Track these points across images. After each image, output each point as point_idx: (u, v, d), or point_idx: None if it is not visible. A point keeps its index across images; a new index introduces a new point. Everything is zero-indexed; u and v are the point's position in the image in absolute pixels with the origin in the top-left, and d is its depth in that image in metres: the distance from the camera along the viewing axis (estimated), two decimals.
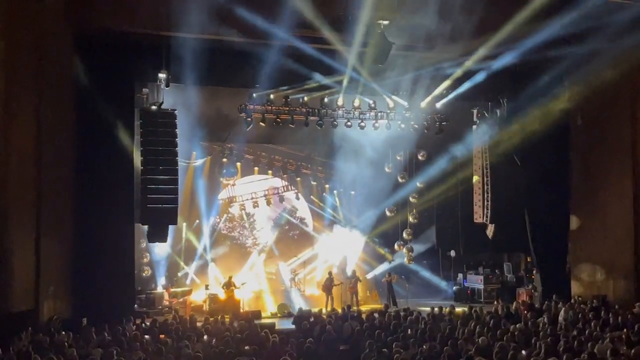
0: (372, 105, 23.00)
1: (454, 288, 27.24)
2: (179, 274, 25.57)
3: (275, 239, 28.41)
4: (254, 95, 21.63)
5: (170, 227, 20.65)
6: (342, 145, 25.74)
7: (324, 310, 21.40)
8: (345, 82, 21.32)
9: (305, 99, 22.19)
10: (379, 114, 23.16)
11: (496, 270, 27.06)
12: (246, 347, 13.47)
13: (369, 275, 27.64)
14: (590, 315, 16.61)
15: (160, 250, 24.90)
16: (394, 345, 13.05)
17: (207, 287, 23.90)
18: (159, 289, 24.16)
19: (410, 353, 12.72)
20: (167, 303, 22.76)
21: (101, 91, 18.86)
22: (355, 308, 21.79)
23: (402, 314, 18.12)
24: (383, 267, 27.91)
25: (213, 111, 22.56)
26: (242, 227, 28.09)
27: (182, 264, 25.98)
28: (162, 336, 15.21)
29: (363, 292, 25.80)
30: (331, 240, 28.46)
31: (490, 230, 24.72)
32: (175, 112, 20.11)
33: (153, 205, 19.32)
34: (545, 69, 21.55)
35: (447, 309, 18.65)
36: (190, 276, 25.91)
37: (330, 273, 24.99)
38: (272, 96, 21.79)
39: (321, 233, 28.90)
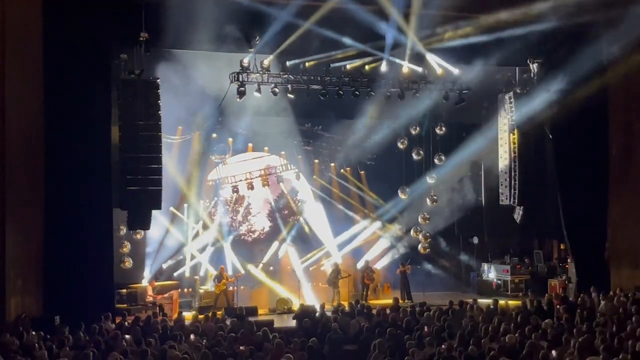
0: (384, 71, 22.86)
1: (477, 279, 27.24)
2: (164, 266, 25.54)
3: (273, 225, 28.42)
4: (246, 61, 21.47)
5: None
6: (348, 118, 25.64)
7: (326, 306, 21.46)
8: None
9: (307, 65, 22.07)
10: (390, 82, 23.02)
11: (525, 259, 27.05)
12: (241, 348, 13.51)
13: (379, 265, 27.64)
14: (632, 310, 16.61)
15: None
16: (407, 345, 13.08)
17: (196, 281, 23.92)
18: (144, 283, 24.18)
19: (426, 353, 12.74)
20: (150, 299, 22.78)
21: (73, 58, 18.78)
22: (363, 302, 21.81)
23: (417, 309, 18.15)
24: (394, 255, 27.93)
25: (201, 80, 22.41)
26: (235, 212, 28.08)
27: (192, 252, 26.01)
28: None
29: (373, 284, 25.84)
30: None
31: (518, 214, 24.70)
32: (158, 81, 20.00)
33: (133, 188, 19.28)
34: (583, 34, 21.49)
35: (469, 303, 18.67)
36: (186, 267, 25.89)
37: (336, 264, 25.05)
38: (265, 62, 21.67)
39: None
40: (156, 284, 23.91)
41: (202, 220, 26.84)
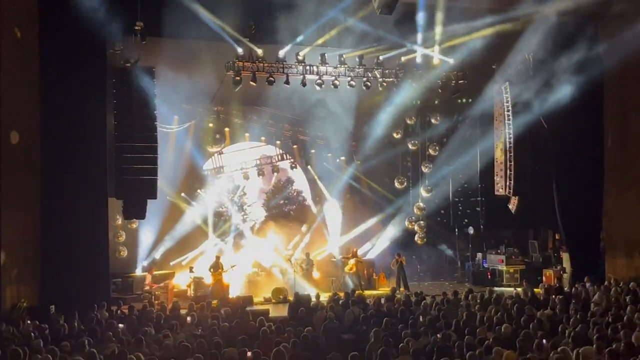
0: (380, 61, 22.80)
1: (472, 269, 27.27)
2: (157, 256, 25.48)
3: (268, 215, 28.41)
4: (241, 50, 21.39)
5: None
6: (344, 108, 25.58)
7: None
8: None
9: (300, 54, 21.97)
10: (386, 72, 22.96)
11: (517, 249, 27.10)
12: (237, 337, 13.49)
13: (373, 254, 27.68)
14: (626, 300, 16.63)
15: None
16: (403, 334, 13.08)
17: (191, 270, 23.89)
18: (138, 272, 24.15)
19: (421, 342, 12.74)
20: (148, 287, 22.72)
21: (68, 47, 18.67)
22: (359, 292, 21.84)
23: (412, 298, 18.16)
24: (390, 245, 27.97)
25: (197, 69, 22.31)
26: (231, 202, 28.04)
27: (188, 242, 26.08)
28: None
29: (366, 274, 25.87)
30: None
31: (513, 204, 24.71)
32: (154, 69, 19.92)
33: (129, 177, 19.25)
34: (580, 25, 21.49)
35: (464, 293, 18.69)
36: (182, 257, 25.90)
37: (307, 254, 25.25)
38: (260, 51, 21.58)
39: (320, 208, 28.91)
40: (154, 272, 23.87)
41: (198, 210, 26.83)
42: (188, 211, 26.39)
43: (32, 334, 13.63)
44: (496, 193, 25.21)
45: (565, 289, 20.40)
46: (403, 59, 22.89)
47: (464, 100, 25.64)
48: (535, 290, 19.73)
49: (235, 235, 27.22)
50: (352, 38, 21.51)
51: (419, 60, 22.96)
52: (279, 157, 28.79)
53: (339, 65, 22.53)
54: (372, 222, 28.32)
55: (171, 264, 25.58)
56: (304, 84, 22.28)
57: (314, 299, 18.64)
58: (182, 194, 26.33)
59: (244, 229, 27.64)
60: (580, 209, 23.38)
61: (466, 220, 28.19)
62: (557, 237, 26.83)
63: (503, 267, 26.12)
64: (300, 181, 29.39)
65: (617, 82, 22.89)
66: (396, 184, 27.10)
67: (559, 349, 11.14)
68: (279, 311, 20.33)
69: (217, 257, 23.50)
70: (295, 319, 16.45)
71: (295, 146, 28.48)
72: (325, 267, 26.11)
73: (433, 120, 26.12)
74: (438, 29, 21.43)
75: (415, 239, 26.84)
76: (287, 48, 21.64)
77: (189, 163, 26.43)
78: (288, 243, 27.36)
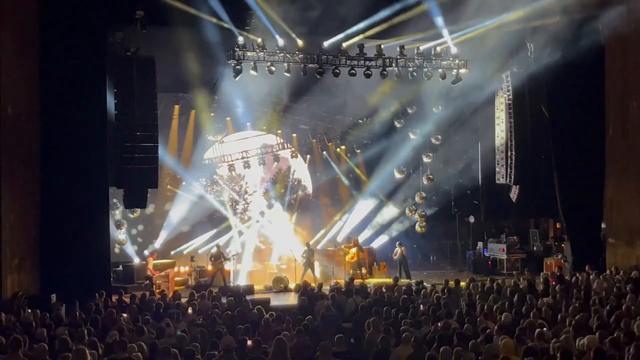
0: (381, 50, 22.67)
1: (473, 258, 27.26)
2: (157, 245, 25.45)
3: (270, 204, 28.42)
4: (242, 39, 21.30)
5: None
6: (344, 97, 25.52)
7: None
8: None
9: (300, 43, 21.85)
10: (387, 60, 22.85)
11: (517, 238, 27.06)
12: (238, 326, 13.50)
13: (375, 244, 27.67)
14: (627, 288, 16.62)
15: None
16: (403, 323, 13.06)
17: (192, 259, 23.92)
18: (136, 261, 24.15)
19: (422, 331, 12.73)
20: (149, 273, 22.68)
21: (69, 36, 18.59)
22: (360, 281, 21.85)
23: (413, 287, 18.14)
24: (391, 234, 27.98)
25: (198, 57, 22.25)
26: (232, 191, 28.02)
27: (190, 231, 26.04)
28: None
29: (367, 263, 25.87)
30: None
31: (514, 193, 24.69)
32: (154, 58, 19.84)
33: (130, 166, 19.21)
34: (581, 14, 21.42)
35: (465, 282, 18.68)
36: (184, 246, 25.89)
37: (308, 244, 24.94)
38: (259, 40, 21.49)
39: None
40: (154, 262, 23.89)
41: (199, 199, 26.83)
42: (187, 200, 26.37)
43: (33, 323, 13.63)
44: (497, 182, 25.18)
45: (567, 277, 20.36)
46: (406, 47, 22.76)
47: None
48: (536, 279, 19.70)
49: (237, 224, 27.22)
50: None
51: (421, 49, 22.89)
52: (279, 145, 28.76)
53: (338, 54, 22.38)
54: (372, 211, 28.32)
55: (172, 253, 25.63)
56: (304, 72, 22.15)
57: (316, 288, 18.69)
58: (183, 183, 26.35)
59: (245, 218, 27.66)
60: (581, 198, 23.33)
61: (467, 209, 28.13)
62: (558, 226, 26.81)
63: (504, 256, 26.10)
64: (300, 170, 29.37)
65: (619, 70, 22.80)
66: (397, 174, 27.03)
67: (560, 337, 11.14)
68: (280, 300, 20.35)
69: (218, 247, 23.52)
70: (299, 308, 16.48)
71: (294, 135, 28.46)
72: (326, 256, 26.12)
73: (434, 109, 26.03)
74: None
75: (416, 227, 26.85)
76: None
77: (189, 151, 26.43)
78: (289, 232, 27.36)
